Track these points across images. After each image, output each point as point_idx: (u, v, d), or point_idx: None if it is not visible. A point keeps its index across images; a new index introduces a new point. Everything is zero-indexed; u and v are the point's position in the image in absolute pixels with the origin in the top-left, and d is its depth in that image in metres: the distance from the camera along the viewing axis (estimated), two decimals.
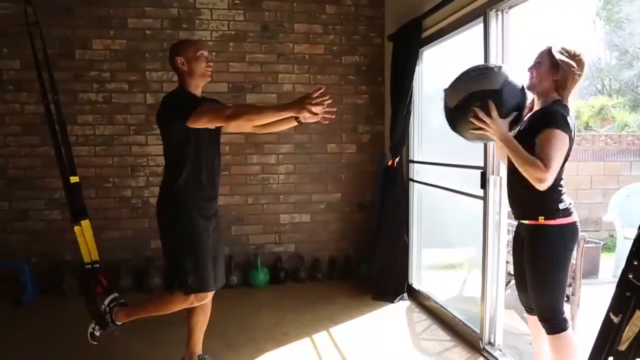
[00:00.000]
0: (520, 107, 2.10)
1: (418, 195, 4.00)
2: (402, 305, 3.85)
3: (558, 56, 2.04)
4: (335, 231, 4.58)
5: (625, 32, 12.88)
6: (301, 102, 2.09)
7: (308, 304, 3.80)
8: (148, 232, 4.24)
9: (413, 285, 3.99)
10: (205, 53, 2.46)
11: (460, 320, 3.26)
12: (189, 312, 2.57)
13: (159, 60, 4.17)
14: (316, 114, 2.13)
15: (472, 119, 2.06)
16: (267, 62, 4.36)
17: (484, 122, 2.03)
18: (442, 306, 3.53)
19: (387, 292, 3.91)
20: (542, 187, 1.99)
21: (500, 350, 2.89)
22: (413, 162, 3.99)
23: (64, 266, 4.01)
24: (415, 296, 3.93)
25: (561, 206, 2.09)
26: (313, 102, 2.07)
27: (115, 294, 2.61)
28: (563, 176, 2.12)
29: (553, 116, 2.01)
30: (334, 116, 2.23)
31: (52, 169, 4.05)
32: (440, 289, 3.82)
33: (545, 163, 1.96)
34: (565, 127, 1.99)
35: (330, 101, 2.11)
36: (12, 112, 4.03)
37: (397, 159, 3.90)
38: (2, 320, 3.51)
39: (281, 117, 2.25)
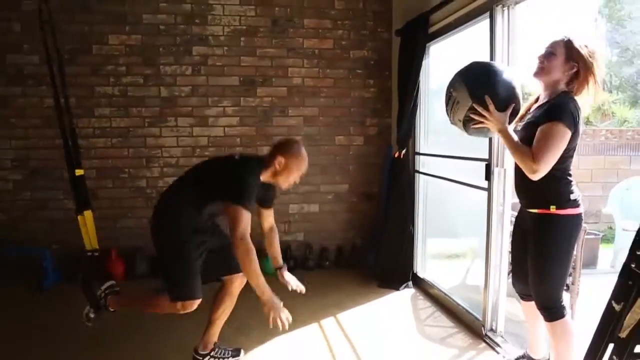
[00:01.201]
0: (515, 96, 2.15)
1: (424, 187, 4.10)
2: (407, 292, 3.96)
3: (581, 50, 2.05)
4: (343, 221, 4.70)
5: (627, 30, 12.89)
6: (269, 308, 2.20)
7: (316, 291, 3.83)
8: None
9: (418, 274, 4.10)
10: (302, 174, 2.53)
11: (463, 308, 3.36)
12: (215, 303, 2.64)
13: (172, 55, 4.30)
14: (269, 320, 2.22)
15: (472, 115, 2.14)
16: (277, 57, 4.46)
17: (483, 116, 2.12)
18: (446, 294, 3.62)
19: (392, 280, 4.02)
20: (535, 177, 2.06)
21: (501, 336, 2.98)
22: (419, 154, 4.09)
23: (83, 253, 4.14)
24: (420, 284, 4.04)
25: (572, 197, 2.14)
26: (271, 321, 2.19)
27: (112, 282, 2.73)
28: (571, 167, 2.16)
29: (558, 109, 2.05)
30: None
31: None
32: (444, 277, 3.92)
33: (536, 155, 2.02)
34: (568, 121, 2.01)
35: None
36: (32, 105, 4.15)
37: (403, 151, 3.99)
38: (24, 304, 3.66)
39: (257, 290, 2.26)
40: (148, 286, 2.76)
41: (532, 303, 2.40)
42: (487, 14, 2.91)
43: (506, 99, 2.12)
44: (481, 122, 2.14)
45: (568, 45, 2.09)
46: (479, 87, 2.12)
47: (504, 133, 2.13)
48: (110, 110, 4.25)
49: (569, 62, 2.09)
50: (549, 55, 2.12)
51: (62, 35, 3.82)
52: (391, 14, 4.58)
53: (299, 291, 2.66)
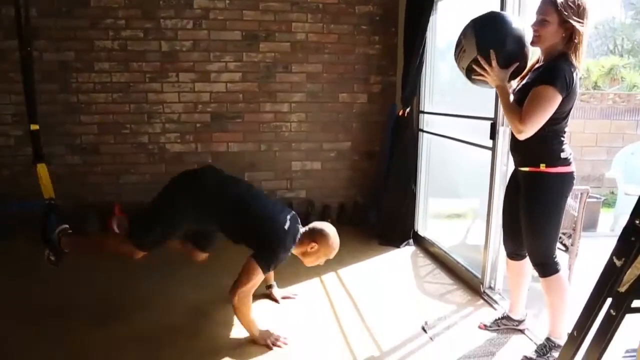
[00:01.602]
0: (521, 57, 2.16)
1: (427, 146, 4.08)
2: (408, 250, 4.00)
3: (565, 12, 2.02)
4: (345, 179, 4.70)
5: None
6: (264, 341, 2.48)
7: None
8: (165, 177, 4.27)
9: (419, 232, 4.14)
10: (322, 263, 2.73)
11: (462, 266, 3.40)
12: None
13: (172, 8, 4.19)
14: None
15: (474, 66, 2.17)
16: (280, 11, 4.34)
17: (484, 69, 2.14)
18: (446, 252, 3.67)
19: (393, 237, 4.06)
20: (520, 137, 2.11)
21: (499, 294, 3.03)
22: (423, 112, 4.04)
23: (87, 208, 4.19)
24: (421, 242, 4.08)
25: (562, 155, 2.17)
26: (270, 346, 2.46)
27: (66, 226, 2.85)
28: (566, 129, 2.18)
29: (552, 72, 2.05)
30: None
31: (71, 115, 4.21)
32: (445, 236, 3.95)
33: (523, 117, 2.06)
34: (560, 85, 2.01)
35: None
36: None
37: (407, 110, 3.95)
38: (29, 258, 3.69)
39: (249, 332, 2.51)
40: None
41: (520, 263, 2.48)
42: None
43: (511, 56, 2.14)
44: (482, 75, 2.17)
45: (557, 6, 2.04)
46: (487, 40, 2.13)
47: (501, 90, 2.17)
48: (110, 65, 4.18)
49: (563, 25, 2.06)
50: (542, 23, 2.09)
51: None
52: None
53: (291, 296, 3.04)
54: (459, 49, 2.23)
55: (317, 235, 2.63)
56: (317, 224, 2.71)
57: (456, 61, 2.28)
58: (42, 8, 4.00)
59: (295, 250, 2.62)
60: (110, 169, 4.30)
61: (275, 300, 3.00)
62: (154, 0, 4.16)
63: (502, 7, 2.80)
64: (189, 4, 4.21)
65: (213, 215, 2.54)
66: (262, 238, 2.46)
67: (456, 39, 2.26)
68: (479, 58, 2.13)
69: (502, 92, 2.16)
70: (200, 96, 4.35)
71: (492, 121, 2.93)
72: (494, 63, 2.11)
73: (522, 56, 2.17)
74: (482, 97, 3.00)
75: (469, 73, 2.24)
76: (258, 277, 2.41)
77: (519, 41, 2.15)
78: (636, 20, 13.27)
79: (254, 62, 4.37)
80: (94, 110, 4.21)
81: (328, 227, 2.70)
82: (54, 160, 4.20)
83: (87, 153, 4.27)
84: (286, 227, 2.51)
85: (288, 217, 2.58)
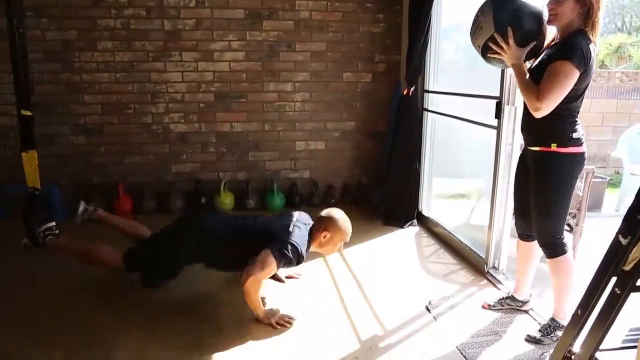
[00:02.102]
0: (538, 35, 2.14)
1: (432, 125, 4.06)
2: (412, 230, 4.01)
3: None
4: (349, 158, 4.69)
5: None
6: (268, 319, 2.50)
7: None
8: (169, 157, 4.39)
9: (423, 212, 4.14)
10: (342, 245, 2.77)
11: (466, 246, 3.41)
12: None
13: None
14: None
15: (490, 44, 2.14)
16: None
17: (501, 47, 2.11)
18: (450, 232, 3.68)
19: (397, 217, 4.07)
20: (537, 115, 2.10)
21: (503, 274, 3.05)
22: (428, 92, 4.02)
23: (91, 188, 4.21)
24: (425, 222, 4.09)
25: (575, 135, 2.15)
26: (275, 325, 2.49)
27: (53, 224, 2.85)
28: (580, 108, 2.16)
29: (569, 48, 2.03)
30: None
31: (75, 95, 4.19)
32: (449, 216, 3.96)
33: (541, 94, 2.04)
34: (578, 60, 2.00)
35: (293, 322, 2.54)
36: (33, 38, 4.00)
37: (412, 89, 3.92)
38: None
39: (254, 312, 2.52)
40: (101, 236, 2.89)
41: (530, 244, 2.47)
42: None
43: (528, 35, 2.11)
44: (498, 53, 2.14)
45: None
46: (505, 18, 2.10)
47: (517, 68, 2.14)
48: (113, 44, 4.15)
49: (579, 2, 2.04)
50: (558, 1, 2.07)
51: None
52: None
53: (295, 276, 3.06)
54: (476, 26, 2.20)
55: (326, 224, 2.68)
56: (323, 213, 2.74)
57: (472, 38, 2.25)
58: None
59: (313, 246, 2.69)
60: (114, 149, 4.30)
61: (280, 280, 3.02)
62: None
63: None
64: None
65: (223, 258, 2.72)
66: (269, 239, 2.52)
67: (468, 17, 2.23)
68: (496, 35, 2.10)
69: (518, 71, 2.13)
70: (204, 75, 4.32)
71: (497, 100, 2.91)
72: (511, 41, 2.08)
73: (540, 35, 2.15)
74: (487, 76, 2.96)
75: (485, 51, 2.20)
76: (271, 268, 2.45)
77: (538, 19, 2.12)
78: None
79: (257, 41, 4.33)
80: (97, 90, 4.20)
81: (335, 212, 2.73)
82: (58, 140, 4.22)
83: (91, 133, 4.27)
84: (290, 226, 2.59)
85: (292, 219, 2.67)
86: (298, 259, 2.51)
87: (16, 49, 2.65)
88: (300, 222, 2.68)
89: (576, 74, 2.01)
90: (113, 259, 2.71)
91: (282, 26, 4.33)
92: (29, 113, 2.74)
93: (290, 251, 2.46)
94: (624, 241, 1.24)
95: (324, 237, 2.67)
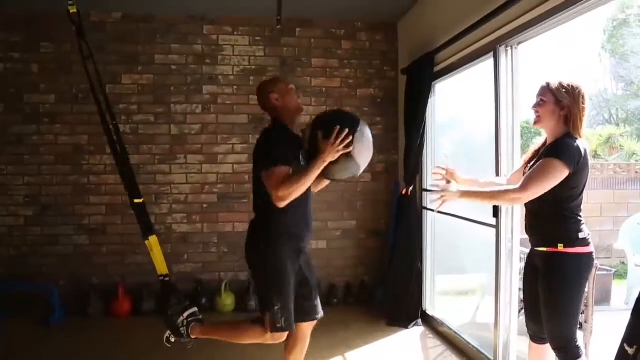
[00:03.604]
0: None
1: (432, 223, 4.09)
2: (417, 331, 3.91)
3: (559, 93, 2.13)
4: (351, 257, 4.68)
5: (630, 64, 13.15)
6: (327, 147, 2.27)
7: (324, 329, 3.73)
8: (170, 258, 4.32)
9: (427, 311, 4.06)
10: (294, 87, 2.59)
11: (473, 347, 3.30)
12: (287, 349, 2.63)
13: (183, 94, 4.40)
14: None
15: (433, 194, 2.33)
16: None
17: (441, 194, 2.31)
18: (455, 332, 3.58)
19: (401, 317, 3.98)
20: (517, 204, 2.19)
21: None
22: (427, 190, 4.10)
23: (90, 289, 4.17)
24: (430, 322, 3.99)
25: (581, 235, 2.15)
26: (335, 144, 2.27)
27: (195, 309, 2.66)
28: (581, 206, 2.19)
29: (558, 147, 2.11)
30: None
31: (81, 196, 4.30)
32: (453, 314, 3.87)
33: (524, 183, 2.10)
34: (567, 159, 2.06)
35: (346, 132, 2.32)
36: (47, 143, 4.24)
37: (410, 188, 4.00)
38: (30, 340, 3.64)
39: (319, 172, 2.31)
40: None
41: (543, 347, 2.38)
42: (491, 53, 2.97)
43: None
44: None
45: (552, 89, 2.16)
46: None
47: (467, 195, 2.31)
48: None
49: (559, 104, 2.15)
50: (540, 104, 2.19)
51: (77, 76, 3.99)
52: (397, 53, 4.68)
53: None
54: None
55: (261, 94, 2.52)
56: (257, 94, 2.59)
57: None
58: (60, 94, 4.22)
59: (283, 119, 2.49)
60: (116, 249, 4.33)
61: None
62: (166, 86, 4.39)
63: (496, 92, 2.93)
64: (198, 90, 4.43)
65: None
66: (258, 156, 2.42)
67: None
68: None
69: (470, 195, 2.34)
70: (208, 177, 4.45)
71: None
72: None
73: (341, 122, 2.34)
74: (484, 170, 3.04)
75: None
76: (274, 173, 2.26)
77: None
78: (627, 91, 13.76)
79: None
80: (103, 192, 4.31)
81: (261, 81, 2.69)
82: (62, 240, 4.26)
83: (94, 233, 4.32)
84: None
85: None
86: (295, 147, 2.38)
87: (116, 143, 2.74)
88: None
89: (564, 172, 2.06)
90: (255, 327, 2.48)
91: None
92: (140, 200, 2.80)
93: (274, 152, 2.31)
94: (630, 350, 1.21)
95: (275, 99, 2.46)
